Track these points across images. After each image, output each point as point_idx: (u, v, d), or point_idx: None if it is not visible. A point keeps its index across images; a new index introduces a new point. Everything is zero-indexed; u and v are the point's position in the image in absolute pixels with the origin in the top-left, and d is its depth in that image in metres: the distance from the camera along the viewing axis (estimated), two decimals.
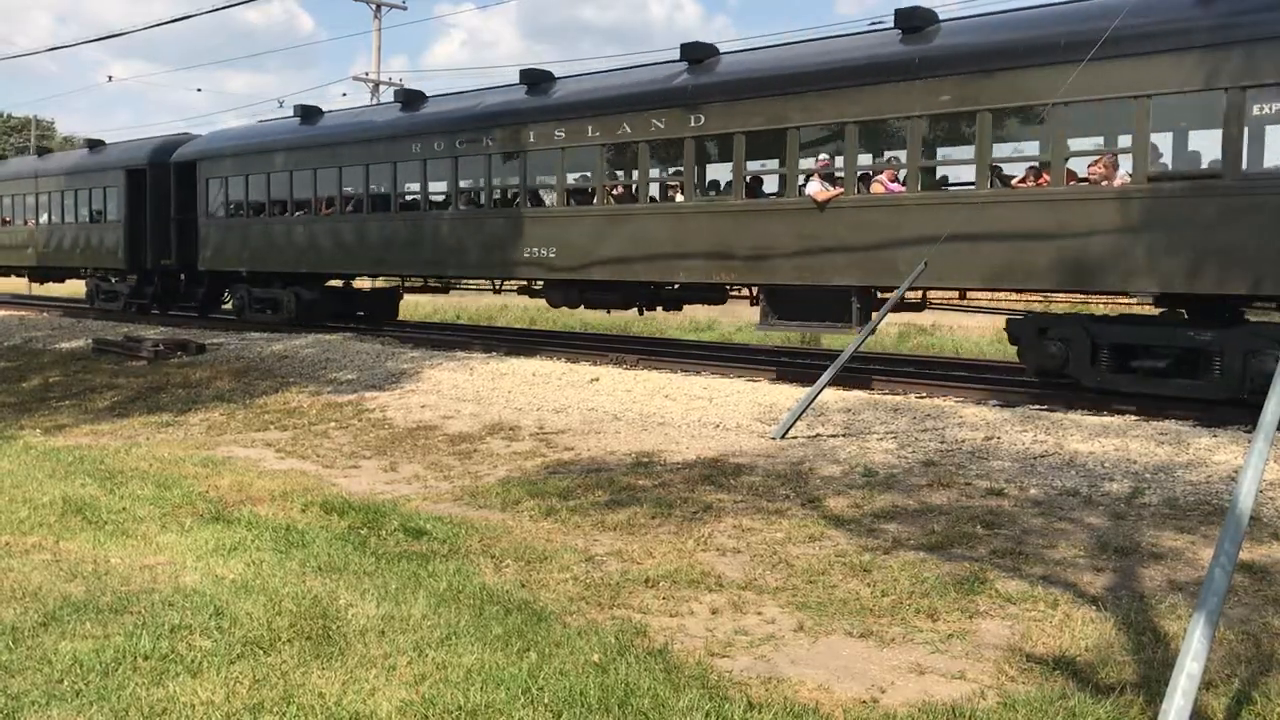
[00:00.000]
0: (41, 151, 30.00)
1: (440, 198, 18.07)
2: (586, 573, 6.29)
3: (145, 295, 24.82)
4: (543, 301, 17.80)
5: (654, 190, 15.14)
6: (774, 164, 14.32)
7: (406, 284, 20.21)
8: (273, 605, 5.39)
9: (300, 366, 15.48)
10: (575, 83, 16.32)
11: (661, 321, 25.18)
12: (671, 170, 15.39)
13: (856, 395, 11.84)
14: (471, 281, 19.66)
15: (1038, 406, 11.09)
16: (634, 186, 15.32)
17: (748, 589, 6.02)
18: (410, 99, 18.79)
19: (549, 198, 16.79)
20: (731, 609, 5.71)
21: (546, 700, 4.30)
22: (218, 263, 22.07)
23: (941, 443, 9.46)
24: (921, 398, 11.74)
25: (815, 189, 12.81)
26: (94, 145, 26.97)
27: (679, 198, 14.64)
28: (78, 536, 6.80)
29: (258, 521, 7.27)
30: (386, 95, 40.46)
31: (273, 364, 15.84)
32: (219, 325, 22.00)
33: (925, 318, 23.68)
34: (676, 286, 15.48)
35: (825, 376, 10.65)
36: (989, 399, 11.59)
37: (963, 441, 9.45)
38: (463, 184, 17.59)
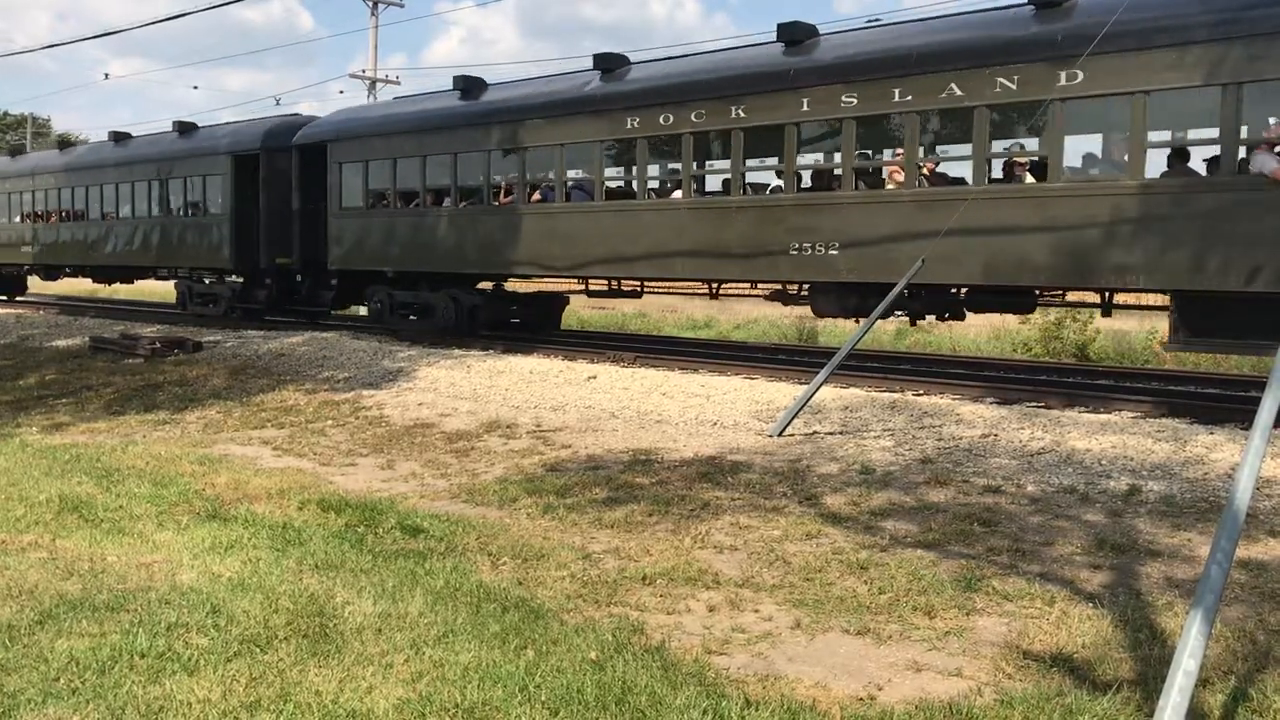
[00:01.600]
0: (118, 138, 25.67)
1: (661, 184, 14.95)
2: (584, 570, 6.29)
3: (255, 298, 21.38)
4: None
5: (993, 168, 11.96)
6: (1202, 132, 11.06)
7: (591, 287, 16.71)
8: (269, 603, 5.38)
9: (296, 364, 15.47)
10: (862, 36, 13.14)
11: (657, 319, 25.20)
12: (1019, 143, 12.16)
13: (854, 393, 11.84)
14: (688, 285, 16.18)
15: (1036, 404, 11.10)
16: (963, 163, 12.14)
17: (745, 586, 6.02)
18: (611, 65, 15.28)
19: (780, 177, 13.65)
20: (729, 606, 5.70)
21: (544, 698, 4.30)
22: (353, 261, 18.66)
23: (939, 440, 9.46)
24: (919, 395, 11.74)
25: (1270, 165, 9.86)
26: (184, 129, 23.44)
27: (1029, 178, 11.68)
28: (74, 535, 6.79)
29: (254, 519, 7.27)
30: (384, 93, 40.19)
31: (269, 362, 15.83)
32: (215, 323, 21.96)
33: None
34: (962, 291, 12.72)
35: (822, 374, 10.65)
36: (987, 396, 11.60)
37: (960, 439, 9.45)
38: (700, 167, 14.45)
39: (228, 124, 23.21)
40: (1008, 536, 6.76)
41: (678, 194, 14.54)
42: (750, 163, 14.04)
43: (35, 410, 12.92)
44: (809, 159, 13.70)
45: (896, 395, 11.66)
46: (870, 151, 13.50)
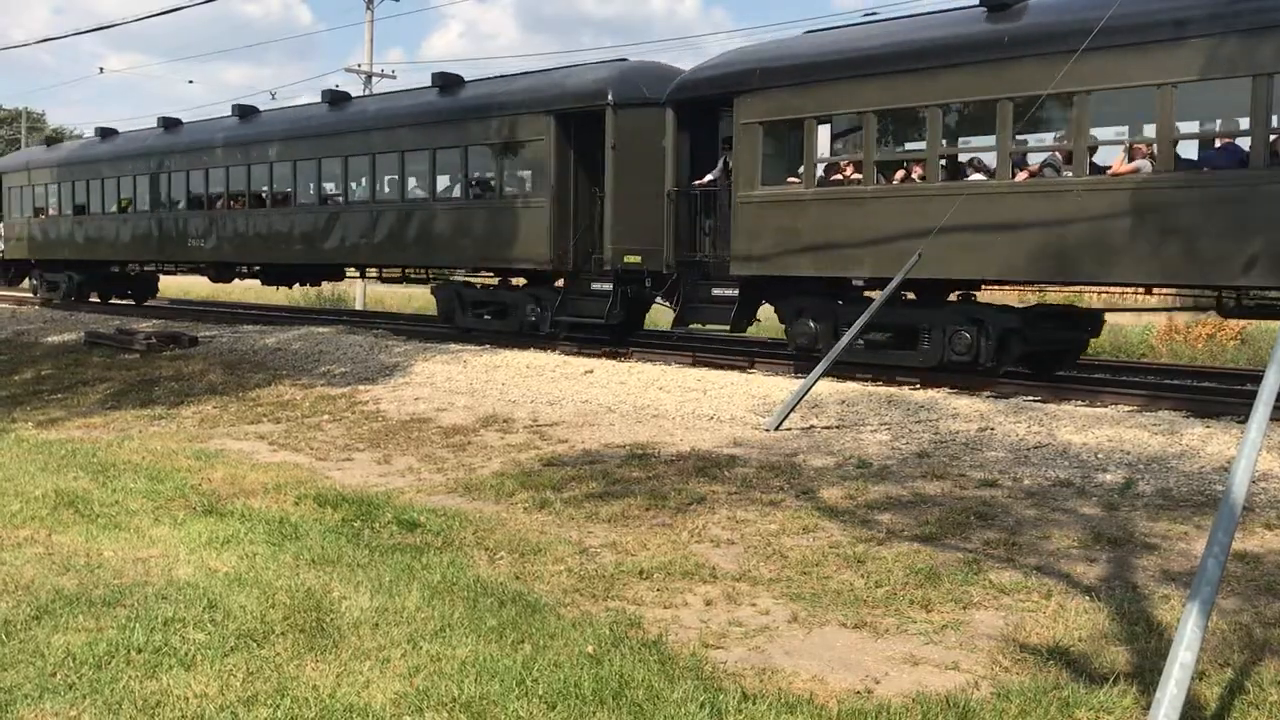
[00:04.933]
0: (335, 99, 20.13)
1: None
2: (581, 564, 6.29)
3: (582, 310, 15.72)
4: None
5: None
6: None
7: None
8: (266, 598, 5.38)
9: (292, 359, 15.45)
10: None
11: (653, 314, 25.13)
12: None
13: (850, 387, 11.84)
14: None
15: (1031, 398, 11.11)
16: None
17: (742, 580, 6.02)
18: None
19: None
20: (726, 600, 5.71)
21: (541, 692, 4.30)
22: (783, 261, 13.02)
23: (935, 434, 9.47)
24: (915, 389, 11.74)
25: None
26: (447, 84, 17.81)
27: None
28: (70, 529, 6.78)
29: (251, 514, 7.26)
30: (379, 87, 39.93)
31: (265, 357, 15.81)
32: (210, 318, 21.88)
33: None
34: None
35: (819, 368, 10.65)
36: (982, 390, 11.60)
37: (956, 433, 9.46)
38: None
39: (529, 74, 17.41)
40: (1004, 530, 6.77)
41: None
42: None
43: (30, 405, 12.89)
44: None
45: (893, 389, 11.67)
46: None
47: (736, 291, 13.73)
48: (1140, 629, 5.09)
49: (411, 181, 17.97)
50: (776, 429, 9.92)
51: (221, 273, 23.02)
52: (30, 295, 27.84)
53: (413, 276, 19.88)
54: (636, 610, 5.49)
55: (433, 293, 18.73)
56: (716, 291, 14.02)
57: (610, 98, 14.93)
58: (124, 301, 26.63)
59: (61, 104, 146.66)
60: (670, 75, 15.23)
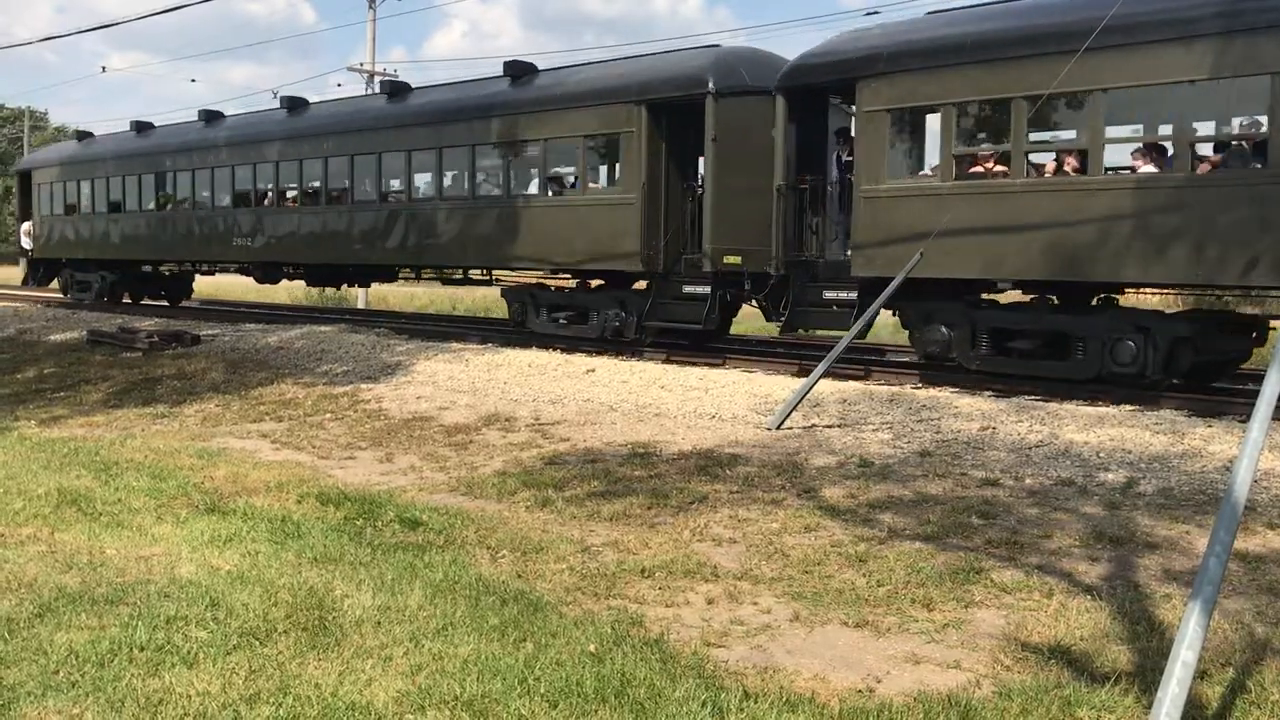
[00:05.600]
0: (394, 90, 19.34)
1: None
2: (582, 563, 6.30)
3: (673, 314, 14.67)
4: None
5: None
6: None
7: None
8: (269, 596, 5.39)
9: (295, 358, 15.46)
10: None
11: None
12: None
13: (852, 386, 11.83)
14: None
15: (1033, 397, 11.10)
16: None
17: (743, 579, 6.02)
18: None
19: None
20: (727, 599, 5.71)
21: (543, 690, 4.30)
22: (906, 261, 11.47)
23: (937, 433, 9.47)
24: (917, 388, 11.74)
25: None
26: (520, 73, 16.67)
27: None
28: (73, 528, 6.79)
29: (253, 512, 7.27)
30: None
31: (267, 355, 15.82)
32: (213, 316, 21.87)
33: None
34: None
35: (821, 367, 10.65)
36: (984, 389, 11.60)
37: (958, 432, 9.46)
38: None
39: (614, 62, 16.13)
40: (1006, 529, 6.77)
41: None
42: None
43: (33, 403, 12.91)
44: None
45: (894, 388, 11.67)
46: None
47: (855, 294, 12.43)
48: (1142, 628, 5.10)
49: (481, 177, 16.88)
50: (778, 428, 9.92)
51: (268, 273, 22.00)
52: (61, 295, 27.28)
53: (476, 278, 18.92)
54: (638, 609, 5.50)
55: (503, 295, 17.64)
56: (829, 294, 12.80)
57: (711, 85, 13.74)
58: (158, 303, 25.87)
59: (64, 103, 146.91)
60: (771, 61, 14.28)
